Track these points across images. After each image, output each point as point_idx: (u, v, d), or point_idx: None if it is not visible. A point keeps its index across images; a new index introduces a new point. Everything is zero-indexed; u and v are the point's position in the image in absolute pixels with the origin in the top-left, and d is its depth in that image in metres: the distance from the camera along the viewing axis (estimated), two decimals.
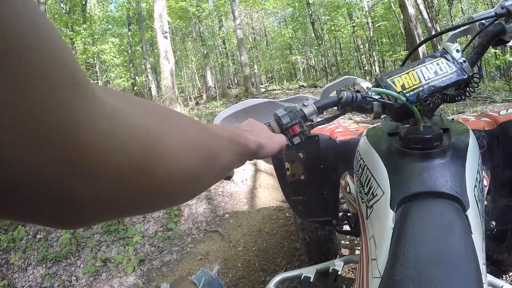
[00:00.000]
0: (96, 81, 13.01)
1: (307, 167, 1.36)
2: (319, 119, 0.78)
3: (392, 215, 0.68)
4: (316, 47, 18.90)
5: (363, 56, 17.82)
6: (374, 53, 15.48)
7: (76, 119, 0.18)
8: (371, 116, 0.80)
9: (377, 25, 15.47)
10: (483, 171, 1.02)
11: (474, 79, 0.80)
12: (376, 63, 15.35)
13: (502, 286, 1.07)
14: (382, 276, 0.61)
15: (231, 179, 0.69)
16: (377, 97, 0.77)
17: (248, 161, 0.63)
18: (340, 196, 1.46)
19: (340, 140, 1.35)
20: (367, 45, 17.61)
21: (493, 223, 1.24)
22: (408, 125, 0.86)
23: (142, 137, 0.24)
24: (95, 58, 12.64)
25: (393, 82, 0.78)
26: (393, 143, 0.81)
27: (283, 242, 2.60)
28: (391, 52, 15.53)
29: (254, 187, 3.74)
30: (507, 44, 0.89)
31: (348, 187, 1.37)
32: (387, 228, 0.66)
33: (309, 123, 0.74)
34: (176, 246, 2.82)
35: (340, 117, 0.90)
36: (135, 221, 3.01)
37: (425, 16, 9.50)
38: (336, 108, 0.80)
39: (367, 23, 15.19)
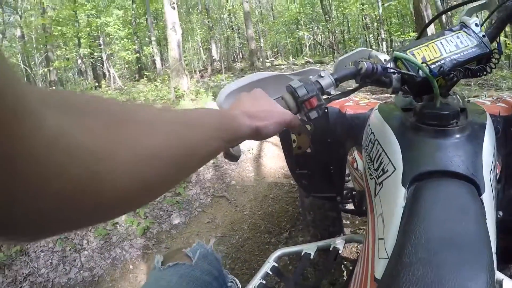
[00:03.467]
0: (100, 53, 12.89)
1: (314, 140, 1.31)
2: (336, 92, 0.73)
3: (404, 193, 0.64)
4: (323, 23, 18.59)
5: (371, 35, 17.57)
6: (382, 32, 15.27)
7: (12, 153, 0.19)
8: (389, 90, 0.75)
9: (387, 4, 15.17)
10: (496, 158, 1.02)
11: (494, 54, 0.77)
12: (384, 43, 15.16)
13: (502, 279, 1.03)
14: (389, 257, 0.57)
15: (238, 160, 0.67)
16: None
17: None
18: (347, 173, 1.43)
19: (350, 114, 1.29)
20: (375, 24, 17.33)
21: (500, 213, 1.17)
22: (422, 102, 0.82)
23: (84, 160, 0.23)
24: (99, 31, 12.50)
25: (413, 54, 0.74)
26: (407, 118, 0.77)
27: (288, 207, 2.71)
28: (399, 32, 15.30)
29: (260, 156, 3.83)
30: None
31: (355, 163, 1.30)
32: (398, 207, 0.63)
33: (326, 96, 0.70)
34: (184, 210, 2.92)
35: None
36: None
37: None
38: (352, 81, 0.75)
39: (377, 1, 14.91)
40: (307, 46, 18.18)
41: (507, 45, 9.81)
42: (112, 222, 2.69)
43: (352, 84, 0.77)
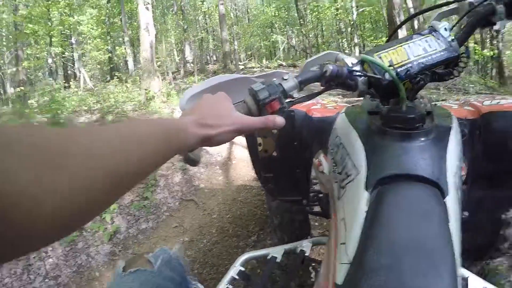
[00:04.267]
0: (72, 53, 12.57)
1: (280, 144, 1.30)
2: (300, 95, 0.71)
3: (367, 197, 0.63)
4: (298, 27, 18.85)
5: (345, 39, 17.92)
6: (355, 37, 15.59)
7: None
8: (356, 93, 0.74)
9: (361, 9, 15.51)
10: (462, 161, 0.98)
11: (462, 58, 0.77)
12: (357, 47, 15.48)
13: (468, 277, 1.05)
14: (351, 263, 0.56)
15: (198, 164, 0.66)
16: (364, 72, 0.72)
17: None
18: (313, 176, 1.41)
19: (317, 117, 1.28)
20: (349, 29, 17.68)
21: (466, 213, 1.20)
22: (389, 105, 0.81)
23: (27, 206, 0.24)
24: (72, 30, 12.17)
25: (380, 58, 0.73)
26: (373, 121, 0.76)
27: (256, 210, 2.71)
28: (372, 38, 15.66)
29: (229, 159, 3.83)
30: (494, 27, 0.85)
31: (321, 166, 1.26)
32: (360, 211, 0.62)
33: (289, 99, 0.68)
34: (152, 214, 2.88)
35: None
36: None
37: (410, 5, 9.52)
38: (317, 84, 0.74)
39: (351, 6, 15.21)
40: (281, 50, 18.36)
41: (476, 51, 10.22)
42: None
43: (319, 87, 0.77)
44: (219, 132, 0.54)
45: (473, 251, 1.59)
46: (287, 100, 0.67)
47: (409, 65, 0.72)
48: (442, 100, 1.60)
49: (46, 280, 2.28)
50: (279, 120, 0.62)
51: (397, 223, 0.56)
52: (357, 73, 0.71)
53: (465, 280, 1.04)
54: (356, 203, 0.64)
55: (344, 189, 0.73)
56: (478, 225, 1.47)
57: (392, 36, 0.94)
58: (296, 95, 0.68)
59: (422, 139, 0.69)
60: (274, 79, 0.67)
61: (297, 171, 1.35)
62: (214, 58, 20.00)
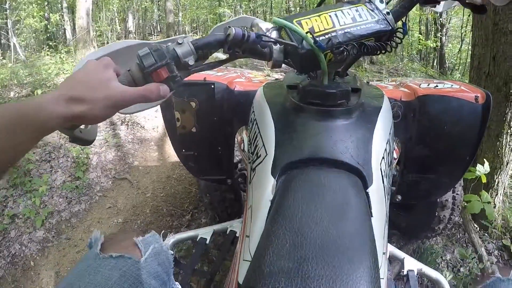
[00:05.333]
0: (6, 20, 11.39)
1: (200, 119, 1.22)
2: (201, 64, 0.61)
3: (273, 183, 0.56)
4: (246, 2, 18.54)
5: None
6: None
7: None
8: (270, 63, 0.65)
9: None
10: (394, 143, 0.92)
11: (398, 34, 0.69)
12: None
13: (404, 258, 1.05)
14: (252, 261, 0.48)
15: (91, 143, 0.57)
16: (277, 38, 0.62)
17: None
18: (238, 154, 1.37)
19: (239, 91, 1.20)
20: (298, 8, 17.69)
21: (399, 197, 1.18)
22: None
23: None
24: None
25: (300, 24, 0.62)
26: (290, 97, 0.69)
27: (191, 188, 2.68)
28: None
29: (165, 135, 3.67)
30: (436, 8, 0.82)
31: (243, 144, 1.23)
32: (265, 200, 0.54)
33: (187, 68, 0.58)
34: (84, 195, 2.76)
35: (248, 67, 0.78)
36: (42, 172, 2.85)
37: None
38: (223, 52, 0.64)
39: None
40: None
41: (420, 41, 10.70)
42: (9, 214, 2.48)
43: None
44: (92, 107, 0.46)
45: (409, 231, 1.69)
46: (185, 70, 0.58)
47: (333, 34, 0.62)
48: (378, 80, 1.60)
49: None
50: (163, 89, 0.53)
51: (305, 217, 0.47)
52: (268, 39, 0.61)
53: (401, 261, 1.06)
54: (263, 190, 0.56)
55: (254, 172, 0.65)
56: (413, 207, 1.53)
57: (322, 4, 0.86)
58: (191, 62, 0.57)
59: (344, 118, 0.62)
60: (169, 43, 0.57)
61: (218, 149, 1.28)
62: (158, 29, 19.24)
